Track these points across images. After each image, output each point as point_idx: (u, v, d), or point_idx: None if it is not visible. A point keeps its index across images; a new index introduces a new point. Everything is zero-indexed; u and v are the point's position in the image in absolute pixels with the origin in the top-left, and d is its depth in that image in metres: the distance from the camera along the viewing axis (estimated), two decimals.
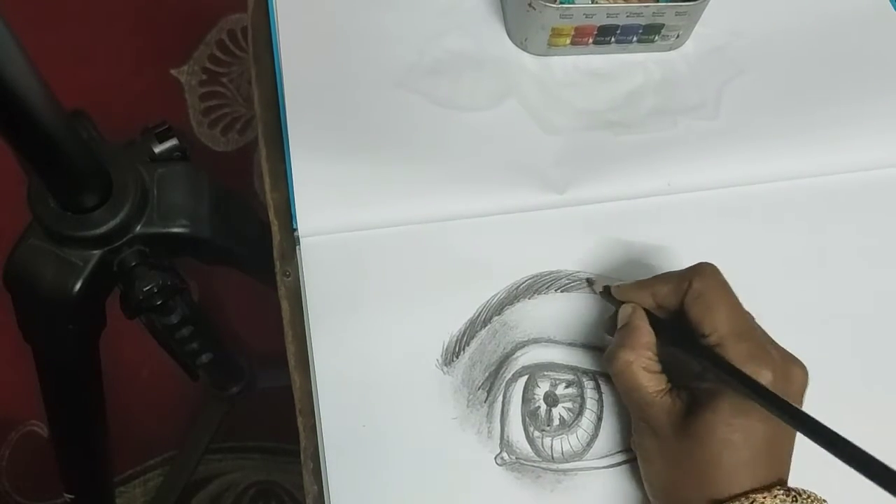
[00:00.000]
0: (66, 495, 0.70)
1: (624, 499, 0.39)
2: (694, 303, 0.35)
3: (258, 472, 1.05)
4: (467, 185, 0.45)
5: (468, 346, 0.41)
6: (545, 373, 0.41)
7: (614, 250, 0.44)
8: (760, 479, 0.33)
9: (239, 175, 1.21)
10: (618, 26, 0.48)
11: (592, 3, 0.47)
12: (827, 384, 0.40)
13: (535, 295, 0.43)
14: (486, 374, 0.41)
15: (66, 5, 1.30)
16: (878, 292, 0.45)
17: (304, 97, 0.47)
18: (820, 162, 0.48)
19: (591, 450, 0.40)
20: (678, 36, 0.50)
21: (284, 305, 0.43)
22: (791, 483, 0.34)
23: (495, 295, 0.43)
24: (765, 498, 0.32)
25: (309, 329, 0.41)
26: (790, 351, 0.35)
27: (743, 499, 0.32)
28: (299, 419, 0.40)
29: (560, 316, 0.42)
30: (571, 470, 0.39)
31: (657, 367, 0.36)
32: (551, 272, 0.43)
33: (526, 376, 0.41)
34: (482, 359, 0.41)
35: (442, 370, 0.41)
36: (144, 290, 0.43)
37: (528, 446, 0.40)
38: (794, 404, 0.33)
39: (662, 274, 0.38)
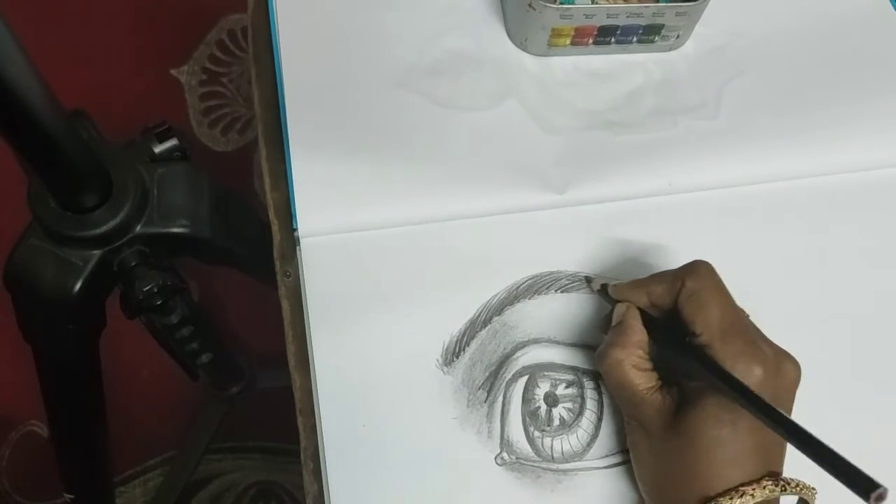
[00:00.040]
0: (66, 495, 0.70)
1: (624, 499, 0.39)
2: (687, 301, 0.35)
3: (258, 472, 1.05)
4: (467, 185, 0.45)
5: (468, 346, 0.41)
6: (545, 373, 0.41)
7: (614, 250, 0.44)
8: (752, 473, 0.33)
9: (239, 175, 1.21)
10: (618, 27, 0.48)
11: (592, 3, 0.47)
12: (826, 384, 0.40)
13: (536, 295, 0.43)
14: (487, 374, 0.41)
15: (66, 5, 1.30)
16: (877, 292, 0.45)
17: (304, 97, 0.47)
18: (820, 162, 0.48)
19: (592, 450, 0.40)
20: (678, 36, 0.50)
21: (284, 305, 0.43)
22: (787, 474, 0.34)
23: (495, 295, 0.43)
24: (754, 489, 0.32)
25: (309, 329, 0.41)
26: (789, 350, 0.35)
27: (732, 492, 0.32)
28: (299, 419, 0.40)
29: (560, 316, 0.42)
30: (571, 470, 0.39)
31: (648, 364, 0.36)
32: (551, 272, 0.43)
33: (526, 376, 0.41)
34: (482, 359, 0.41)
35: (442, 370, 0.41)
36: (144, 290, 0.43)
37: (529, 446, 0.40)
38: (783, 401, 0.34)
39: (657, 273, 0.38)
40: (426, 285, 0.43)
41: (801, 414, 0.33)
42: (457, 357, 0.41)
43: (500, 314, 0.42)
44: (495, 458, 0.39)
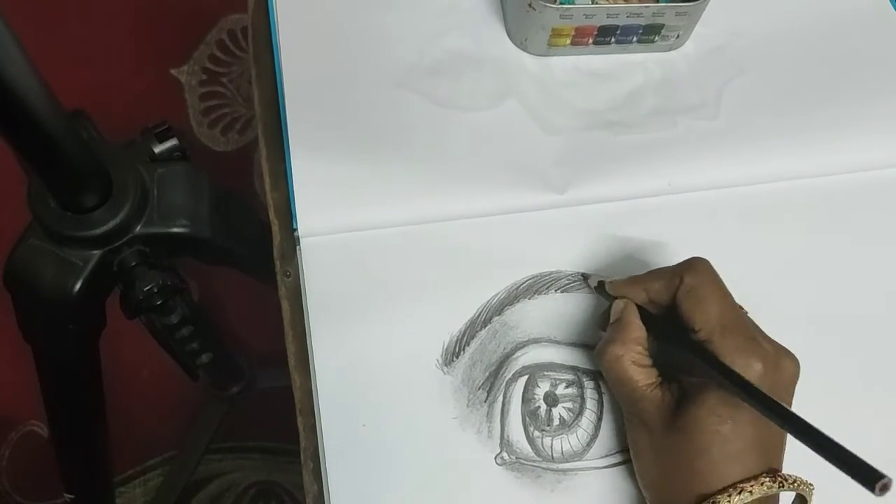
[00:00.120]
0: (66, 495, 0.70)
1: (624, 499, 0.39)
2: (685, 297, 0.35)
3: (258, 472, 1.05)
4: (467, 185, 0.45)
5: (468, 346, 0.41)
6: (545, 373, 0.41)
7: (614, 250, 0.44)
8: (751, 469, 0.33)
9: (239, 175, 1.21)
10: (618, 26, 0.48)
11: (592, 3, 0.47)
12: (826, 384, 0.40)
13: (536, 295, 0.43)
14: (487, 374, 0.41)
15: (66, 5, 1.30)
16: (877, 292, 0.45)
17: (304, 97, 0.47)
18: (819, 162, 0.48)
19: (591, 450, 0.40)
20: (678, 36, 0.50)
21: (284, 305, 0.43)
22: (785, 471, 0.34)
23: (495, 295, 0.43)
24: (752, 486, 0.32)
25: (309, 329, 0.41)
26: (786, 347, 0.35)
27: (731, 489, 0.32)
28: (299, 419, 0.40)
29: (560, 316, 0.42)
30: (571, 470, 0.39)
31: (647, 361, 0.36)
32: (551, 272, 0.43)
33: (526, 376, 0.41)
34: (482, 359, 0.41)
35: (442, 370, 0.41)
36: (144, 290, 0.43)
37: (528, 446, 0.40)
38: (783, 397, 0.34)
39: (655, 269, 0.38)
40: (426, 285, 0.43)
41: (800, 412, 0.33)
42: (457, 357, 0.41)
43: (500, 314, 0.42)
44: (495, 457, 0.39)
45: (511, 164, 0.46)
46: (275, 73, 0.48)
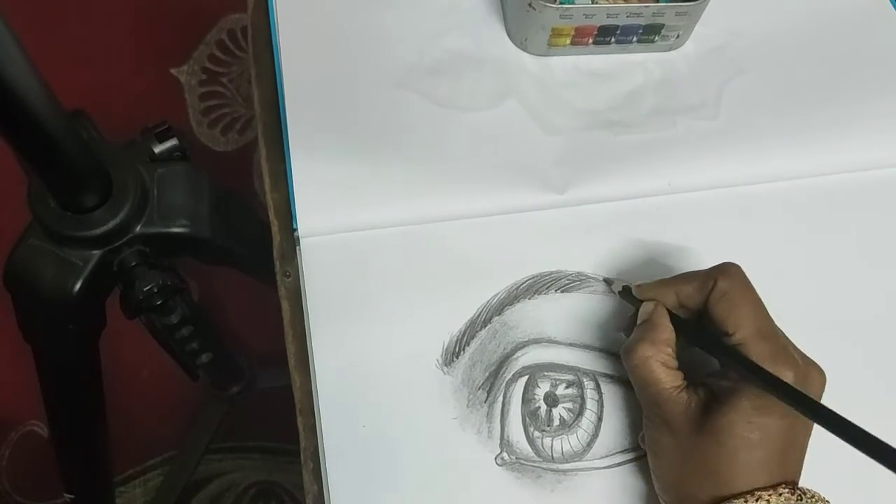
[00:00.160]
0: (66, 495, 0.70)
1: (624, 499, 0.39)
2: (719, 301, 0.36)
3: (258, 472, 1.05)
4: (467, 185, 0.45)
5: (468, 346, 0.41)
6: (545, 373, 0.41)
7: (615, 250, 0.44)
8: (772, 478, 0.33)
9: (239, 175, 1.21)
10: (618, 26, 0.48)
11: (592, 3, 0.47)
12: (826, 384, 0.40)
13: (536, 295, 0.43)
14: (487, 374, 0.41)
15: (66, 5, 1.30)
16: (878, 292, 0.45)
17: (304, 97, 0.47)
18: (819, 162, 0.48)
19: (592, 450, 0.40)
20: (678, 36, 0.50)
21: (284, 305, 0.43)
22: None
23: (495, 295, 0.43)
24: (770, 496, 0.32)
25: (309, 329, 0.41)
26: (812, 359, 0.35)
27: (748, 496, 0.32)
28: (299, 419, 0.40)
29: (560, 316, 0.42)
30: (571, 470, 0.39)
31: (675, 363, 0.36)
32: (551, 272, 0.43)
33: (526, 376, 0.41)
34: (482, 359, 0.41)
35: (442, 370, 0.41)
36: (144, 290, 0.43)
37: (529, 446, 0.40)
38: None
39: (685, 273, 0.38)
40: (426, 285, 0.43)
41: None
42: (457, 357, 0.41)
43: (500, 314, 0.42)
44: (495, 458, 0.39)
45: (511, 164, 0.46)
46: (275, 73, 0.48)
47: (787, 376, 0.33)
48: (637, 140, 0.48)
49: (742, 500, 0.32)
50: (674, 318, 0.37)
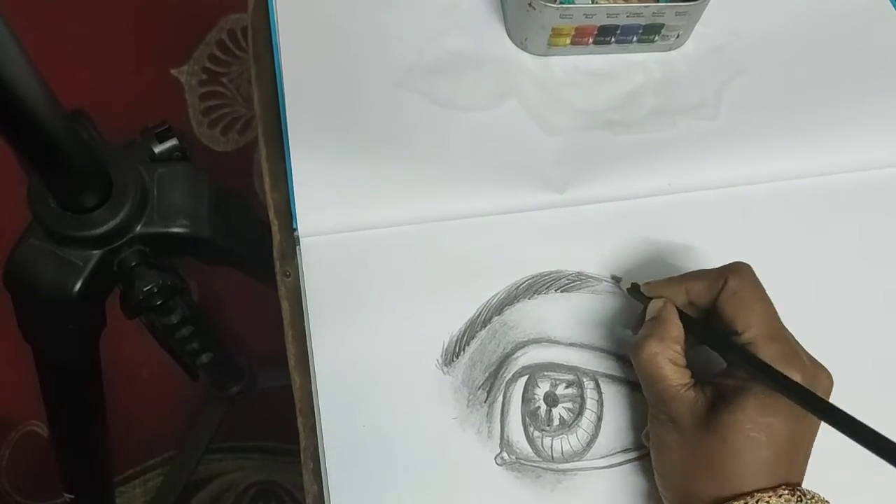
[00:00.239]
0: (66, 495, 0.70)
1: (624, 498, 0.39)
2: (729, 300, 0.36)
3: (258, 472, 1.05)
4: (467, 185, 0.45)
5: (468, 346, 0.41)
6: (545, 373, 0.41)
7: (614, 250, 0.44)
8: (775, 479, 0.33)
9: (239, 175, 1.21)
10: (618, 26, 0.48)
11: (592, 3, 0.47)
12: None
13: (536, 295, 0.43)
14: (486, 374, 0.41)
15: (66, 5, 1.30)
16: (878, 292, 0.45)
17: (304, 97, 0.47)
18: (820, 162, 0.48)
19: (591, 450, 0.40)
20: (678, 36, 0.50)
21: (284, 305, 0.43)
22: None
23: (495, 295, 0.43)
24: (770, 497, 0.32)
25: (309, 329, 0.41)
26: (820, 362, 0.35)
27: (748, 497, 0.32)
28: (299, 419, 0.40)
29: (560, 316, 0.42)
30: (571, 470, 0.39)
31: (683, 361, 0.36)
32: (551, 272, 0.43)
33: (526, 376, 0.41)
34: (482, 359, 0.41)
35: (442, 370, 0.41)
36: (144, 290, 0.43)
37: (528, 446, 0.40)
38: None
39: (695, 271, 0.39)
40: (426, 285, 0.43)
41: None
42: (457, 357, 0.41)
43: (499, 314, 0.42)
44: (495, 457, 0.39)
45: (511, 164, 0.46)
46: (275, 73, 0.48)
47: (795, 378, 0.33)
48: (637, 140, 0.48)
49: (742, 501, 0.32)
50: (682, 316, 0.37)
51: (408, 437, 0.39)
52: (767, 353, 0.34)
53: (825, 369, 0.35)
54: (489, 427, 0.40)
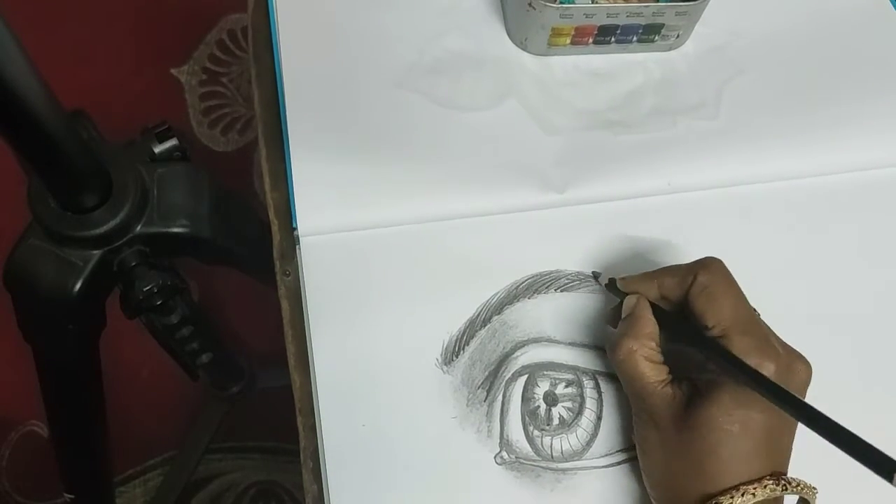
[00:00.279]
0: (66, 495, 0.70)
1: (623, 498, 0.39)
2: (699, 295, 0.36)
3: (258, 472, 1.05)
4: (467, 185, 0.45)
5: (468, 345, 0.41)
6: (545, 372, 0.41)
7: (614, 250, 0.44)
8: (758, 470, 0.33)
9: (239, 175, 1.21)
10: (618, 26, 0.48)
11: (592, 3, 0.47)
12: (826, 384, 0.40)
13: (535, 294, 0.43)
14: (486, 373, 0.41)
15: (66, 5, 1.30)
16: (878, 292, 0.45)
17: (304, 97, 0.47)
18: (820, 162, 0.48)
19: (591, 449, 0.40)
20: (678, 36, 0.50)
21: (284, 305, 0.43)
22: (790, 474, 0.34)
23: (495, 294, 0.43)
24: (755, 489, 0.32)
25: (309, 329, 0.41)
26: (798, 351, 0.35)
27: (734, 491, 0.32)
28: (299, 419, 0.40)
29: (560, 315, 0.42)
30: (571, 469, 0.39)
31: (659, 357, 0.36)
32: (551, 272, 0.43)
33: (526, 376, 0.41)
34: (482, 358, 0.41)
35: (442, 369, 0.41)
36: (144, 290, 0.43)
37: (528, 445, 0.40)
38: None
39: (668, 266, 0.38)
40: (426, 285, 0.43)
41: None
42: (456, 356, 0.41)
43: (499, 313, 0.42)
44: (495, 457, 0.39)
45: (511, 164, 0.46)
46: (275, 73, 0.48)
47: (769, 368, 0.33)
48: (637, 140, 0.48)
49: (728, 496, 0.32)
50: (657, 312, 0.37)
51: (408, 437, 0.39)
52: (739, 347, 0.34)
53: (802, 358, 0.35)
54: (489, 426, 0.40)
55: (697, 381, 0.35)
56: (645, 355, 0.36)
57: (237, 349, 0.92)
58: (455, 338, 0.41)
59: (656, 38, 0.49)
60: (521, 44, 0.50)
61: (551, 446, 0.40)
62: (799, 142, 0.48)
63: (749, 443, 0.33)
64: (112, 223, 0.41)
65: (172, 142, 0.45)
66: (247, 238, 0.50)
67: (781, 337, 0.36)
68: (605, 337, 0.41)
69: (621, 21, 0.47)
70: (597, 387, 0.41)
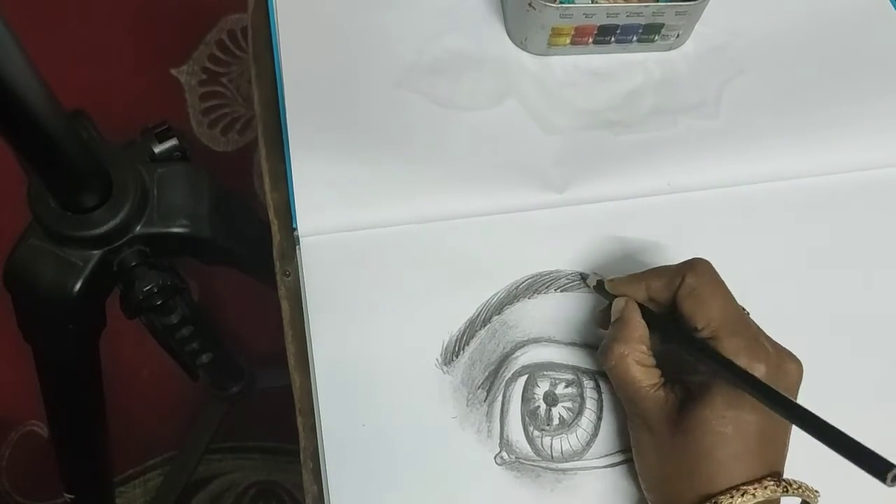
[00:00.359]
0: (66, 495, 0.70)
1: (623, 498, 0.39)
2: (687, 297, 0.35)
3: (258, 472, 1.05)
4: (467, 185, 0.45)
5: (468, 345, 0.41)
6: (545, 372, 0.41)
7: (614, 250, 0.44)
8: (754, 471, 0.33)
9: (239, 175, 1.21)
10: (618, 26, 0.48)
11: (592, 2, 0.47)
12: (826, 384, 0.40)
13: (535, 294, 0.43)
14: (486, 373, 0.41)
15: (66, 5, 1.30)
16: (877, 292, 0.45)
17: (304, 97, 0.47)
18: (820, 162, 0.48)
19: (591, 449, 0.40)
20: (678, 35, 0.50)
21: (284, 305, 0.43)
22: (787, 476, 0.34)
23: (495, 294, 0.43)
24: (755, 489, 0.32)
25: (309, 329, 0.41)
26: (788, 349, 0.35)
27: (734, 491, 0.32)
28: (299, 419, 0.40)
29: (560, 315, 0.42)
30: (571, 469, 0.39)
31: (651, 360, 0.36)
32: (551, 272, 0.44)
33: (526, 376, 0.41)
34: (482, 358, 0.41)
35: (442, 370, 0.41)
36: (144, 290, 0.43)
37: (528, 446, 0.40)
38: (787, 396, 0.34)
39: (656, 268, 0.38)
40: (426, 285, 0.43)
41: None
42: (456, 356, 0.41)
43: (499, 313, 0.42)
44: (495, 457, 0.39)
45: (511, 164, 0.46)
46: (275, 73, 0.48)
47: (759, 369, 0.33)
48: (637, 140, 0.48)
49: (728, 496, 0.32)
50: (647, 314, 0.37)
51: (408, 437, 0.39)
52: (729, 348, 0.33)
53: (793, 358, 0.35)
54: (489, 426, 0.40)
55: (689, 383, 0.35)
56: (636, 359, 0.36)
57: (237, 349, 0.92)
58: (455, 338, 0.41)
59: (656, 37, 0.49)
60: (521, 44, 0.50)
61: (551, 446, 0.40)
62: (799, 142, 0.48)
63: (743, 444, 0.33)
64: (112, 223, 0.41)
65: (172, 142, 0.45)
66: (247, 238, 0.50)
67: (781, 337, 0.35)
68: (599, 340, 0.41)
69: (621, 21, 0.47)
70: (597, 387, 0.41)
